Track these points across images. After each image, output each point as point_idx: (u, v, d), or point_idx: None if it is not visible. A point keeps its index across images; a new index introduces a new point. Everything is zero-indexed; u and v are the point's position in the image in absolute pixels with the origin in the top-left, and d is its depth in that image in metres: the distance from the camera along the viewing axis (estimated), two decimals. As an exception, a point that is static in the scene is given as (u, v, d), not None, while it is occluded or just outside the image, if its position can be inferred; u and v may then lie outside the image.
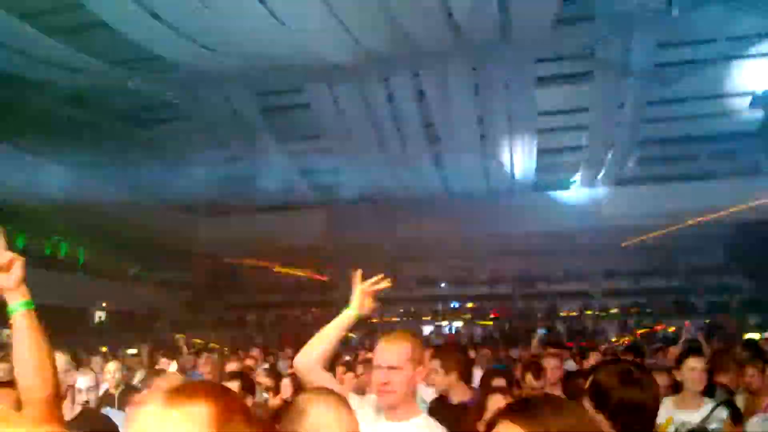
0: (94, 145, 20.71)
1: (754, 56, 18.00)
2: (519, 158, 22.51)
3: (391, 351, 2.31)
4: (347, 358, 8.16)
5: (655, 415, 2.10)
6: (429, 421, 2.35)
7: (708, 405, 3.68)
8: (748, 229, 23.24)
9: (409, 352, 2.30)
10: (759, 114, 21.50)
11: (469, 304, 25.75)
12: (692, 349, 5.72)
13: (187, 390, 1.00)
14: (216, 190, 28.72)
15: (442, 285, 27.38)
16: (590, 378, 2.20)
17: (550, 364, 4.89)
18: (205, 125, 21.80)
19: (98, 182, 21.48)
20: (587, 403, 2.07)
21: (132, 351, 16.31)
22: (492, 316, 24.42)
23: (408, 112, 20.28)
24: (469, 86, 19.01)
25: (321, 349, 2.43)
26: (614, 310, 24.03)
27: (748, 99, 20.88)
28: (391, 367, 2.25)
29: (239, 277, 30.16)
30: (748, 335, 16.78)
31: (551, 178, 24.40)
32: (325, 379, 2.29)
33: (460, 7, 14.64)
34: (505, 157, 22.45)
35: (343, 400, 1.67)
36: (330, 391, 1.77)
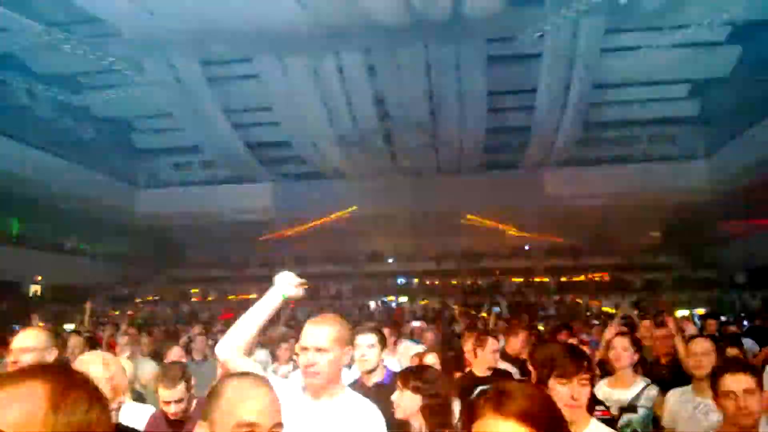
0: (27, 112, 19.72)
1: (694, 45, 18.59)
2: (468, 137, 22.70)
3: (318, 333, 2.30)
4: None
5: None
6: (353, 396, 2.40)
7: (640, 383, 3.82)
8: (682, 210, 24.28)
9: (336, 334, 2.30)
10: (697, 101, 22.33)
11: (416, 280, 26.04)
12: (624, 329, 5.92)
13: (24, 371, 1.05)
14: (157, 160, 28.00)
15: (390, 261, 27.55)
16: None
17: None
18: (147, 93, 21.01)
19: (32, 152, 20.49)
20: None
21: (69, 326, 15.81)
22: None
23: (359, 87, 20.10)
24: (420, 63, 18.97)
25: (243, 336, 2.39)
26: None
27: (688, 86, 21.65)
28: (318, 349, 2.26)
29: (182, 250, 29.55)
30: (679, 312, 17.61)
31: (498, 157, 24.73)
32: (247, 367, 2.24)
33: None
34: (454, 135, 22.60)
35: (262, 381, 1.62)
36: (248, 373, 1.72)
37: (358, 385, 3.30)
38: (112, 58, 19.10)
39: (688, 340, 4.92)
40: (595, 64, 18.88)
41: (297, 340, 3.80)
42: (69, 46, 17.63)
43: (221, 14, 15.55)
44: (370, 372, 3.43)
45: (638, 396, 3.72)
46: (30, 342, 2.82)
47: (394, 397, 2.65)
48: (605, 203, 22.36)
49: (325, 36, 17.20)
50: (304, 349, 2.31)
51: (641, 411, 3.65)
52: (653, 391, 3.75)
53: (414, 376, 2.69)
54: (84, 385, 1.04)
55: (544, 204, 23.71)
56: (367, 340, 3.44)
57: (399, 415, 2.57)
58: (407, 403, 2.60)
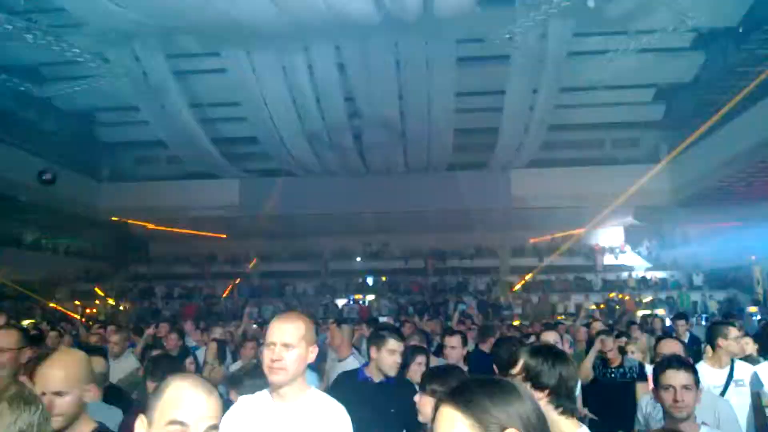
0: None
1: (660, 51, 18.95)
2: (436, 136, 22.76)
3: (285, 329, 2.30)
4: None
5: None
6: (318, 395, 2.39)
7: None
8: (644, 212, 24.79)
9: (303, 331, 2.31)
10: (661, 106, 22.80)
11: (383, 278, 26.03)
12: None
13: None
14: (121, 154, 27.46)
15: (358, 259, 27.49)
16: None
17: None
18: (111, 86, 20.54)
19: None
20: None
21: (28, 321, 15.44)
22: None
23: (328, 84, 19.97)
24: (390, 62, 18.94)
25: None
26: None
27: (653, 91, 22.08)
28: (284, 345, 2.25)
29: (146, 246, 29.02)
30: (641, 312, 17.99)
31: (467, 157, 24.87)
32: None
33: (385, -18, 14.50)
34: (422, 135, 22.63)
35: (202, 384, 1.68)
36: (191, 375, 1.78)
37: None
38: (76, 49, 18.60)
39: (657, 340, 5.05)
40: (563, 67, 19.10)
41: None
42: (31, 36, 17.10)
43: (188, 6, 15.26)
44: None
45: None
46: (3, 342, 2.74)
47: (416, 398, 2.66)
48: (569, 204, 22.67)
49: (294, 32, 17.05)
50: (271, 344, 2.29)
51: None
52: None
53: (434, 379, 2.65)
54: None
55: (511, 204, 23.95)
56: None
57: (421, 419, 2.58)
58: (427, 406, 2.55)
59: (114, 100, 21.93)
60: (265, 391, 2.36)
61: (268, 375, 2.29)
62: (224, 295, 23.26)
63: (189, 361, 5.58)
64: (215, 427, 1.59)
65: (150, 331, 7.87)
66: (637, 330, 8.70)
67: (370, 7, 15.62)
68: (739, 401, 3.93)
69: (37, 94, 20.77)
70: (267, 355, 2.31)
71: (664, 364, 2.93)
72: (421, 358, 3.98)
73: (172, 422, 1.55)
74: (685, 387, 2.81)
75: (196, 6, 15.15)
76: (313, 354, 2.37)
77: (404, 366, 3.71)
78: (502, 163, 24.56)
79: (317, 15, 15.91)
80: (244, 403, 2.38)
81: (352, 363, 5.05)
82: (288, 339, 2.27)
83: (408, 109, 21.15)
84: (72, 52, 18.57)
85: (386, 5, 15.57)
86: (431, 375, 2.74)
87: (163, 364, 3.33)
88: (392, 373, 3.48)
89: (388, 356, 3.45)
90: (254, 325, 8.24)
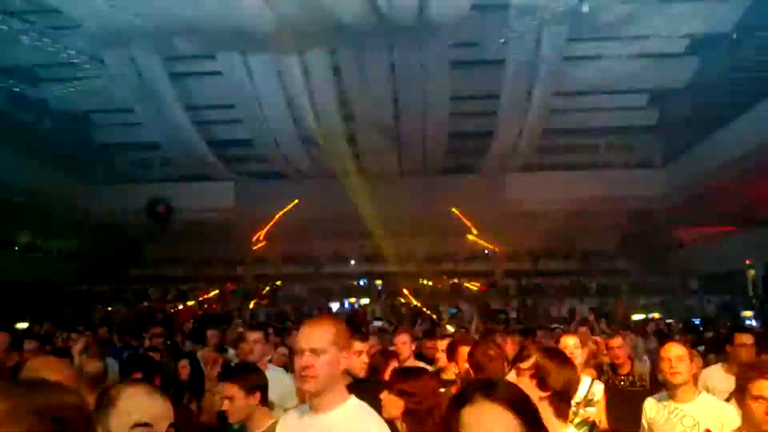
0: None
1: (654, 56, 19.01)
2: (431, 140, 22.79)
3: (314, 333, 2.17)
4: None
5: None
6: (358, 406, 2.24)
7: (587, 380, 4.03)
8: (638, 217, 24.81)
9: (333, 336, 2.17)
10: (655, 111, 22.87)
11: (378, 282, 25.99)
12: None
13: None
14: (116, 156, 27.41)
15: (352, 262, 27.45)
16: None
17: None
18: (107, 87, 20.55)
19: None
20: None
21: (22, 325, 15.34)
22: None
23: (323, 87, 19.99)
24: (384, 65, 18.98)
25: None
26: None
27: (647, 96, 22.16)
28: (312, 350, 2.13)
29: (140, 249, 28.93)
30: (635, 316, 18.02)
31: (461, 160, 24.89)
32: None
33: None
34: (417, 138, 22.66)
35: (153, 388, 1.74)
36: (139, 381, 1.90)
37: None
38: (72, 50, 18.64)
39: (660, 343, 4.99)
40: (557, 72, 19.15)
41: (266, 339, 3.76)
42: (27, 37, 17.11)
43: (185, 9, 15.29)
44: None
45: (587, 392, 3.83)
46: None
47: (382, 396, 2.64)
48: (564, 208, 22.68)
49: (290, 35, 17.07)
50: (299, 351, 2.18)
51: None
52: (600, 387, 3.88)
53: (401, 379, 2.66)
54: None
55: (505, 208, 23.94)
56: None
57: (383, 415, 2.50)
58: (390, 405, 2.59)
59: (109, 102, 21.96)
60: (306, 406, 2.25)
61: (300, 384, 2.22)
62: (208, 297, 23.21)
63: (181, 364, 5.55)
64: (173, 425, 1.67)
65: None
66: (630, 334, 8.71)
67: (365, 11, 15.67)
68: None
69: (32, 95, 20.78)
70: (297, 363, 2.21)
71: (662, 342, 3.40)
72: (393, 362, 4.02)
73: (137, 425, 1.61)
74: (679, 358, 3.30)
75: (193, 9, 15.19)
76: (346, 360, 2.23)
77: (376, 370, 3.75)
78: (496, 167, 24.58)
79: (313, 19, 15.96)
80: (287, 417, 2.35)
81: None
82: (316, 344, 2.14)
83: (402, 113, 21.18)
84: (67, 53, 18.62)
85: (381, 9, 15.62)
86: (398, 375, 2.75)
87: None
88: (361, 374, 3.50)
89: (354, 358, 3.42)
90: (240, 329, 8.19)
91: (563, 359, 2.38)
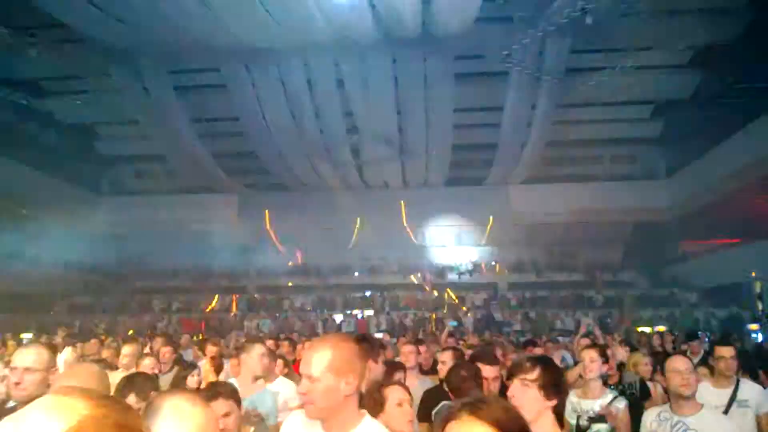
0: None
1: (657, 68, 19.04)
2: (434, 152, 22.82)
3: (310, 360, 2.08)
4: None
5: None
6: (372, 426, 2.13)
7: (609, 395, 3.92)
8: (642, 228, 24.75)
9: (330, 361, 2.04)
10: (659, 123, 22.87)
11: (381, 293, 25.91)
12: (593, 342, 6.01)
13: None
14: (120, 168, 27.54)
15: (356, 274, 27.42)
16: None
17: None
18: (112, 100, 20.69)
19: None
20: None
21: (27, 335, 15.35)
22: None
23: (327, 99, 20.07)
24: (388, 78, 19.05)
25: None
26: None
27: (650, 108, 22.17)
28: (308, 377, 2.05)
29: (145, 260, 28.95)
30: (640, 329, 17.90)
31: (464, 172, 24.91)
32: None
33: (384, 0, 14.62)
34: (420, 150, 22.70)
35: (197, 398, 1.68)
36: (183, 390, 1.83)
37: None
38: (78, 64, 18.80)
39: (663, 357, 4.94)
40: (560, 84, 19.19)
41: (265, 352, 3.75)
42: (34, 51, 17.26)
43: (190, 23, 15.40)
44: None
45: (608, 407, 3.78)
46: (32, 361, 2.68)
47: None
48: (568, 220, 22.65)
49: (294, 48, 17.18)
50: (300, 376, 2.14)
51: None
52: (622, 403, 3.82)
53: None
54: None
55: (508, 220, 23.93)
56: None
57: None
58: None
59: (115, 115, 22.07)
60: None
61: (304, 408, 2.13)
62: (211, 307, 23.20)
63: (191, 374, 5.50)
64: None
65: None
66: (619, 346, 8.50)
67: (369, 24, 15.75)
68: (744, 423, 3.86)
69: (38, 107, 20.93)
70: (298, 389, 2.15)
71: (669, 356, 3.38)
72: (399, 375, 4.00)
73: None
74: (689, 370, 3.32)
75: (198, 23, 15.30)
76: (350, 386, 2.08)
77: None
78: (500, 179, 24.59)
79: (317, 32, 16.05)
80: (295, 421, 2.28)
81: None
82: (311, 371, 2.05)
83: (406, 125, 21.22)
84: (74, 66, 18.78)
85: (385, 23, 15.70)
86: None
87: (140, 382, 3.30)
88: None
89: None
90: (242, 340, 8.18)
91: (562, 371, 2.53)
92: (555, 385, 2.37)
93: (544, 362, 2.47)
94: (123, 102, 20.84)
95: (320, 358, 2.06)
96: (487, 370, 3.69)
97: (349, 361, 2.10)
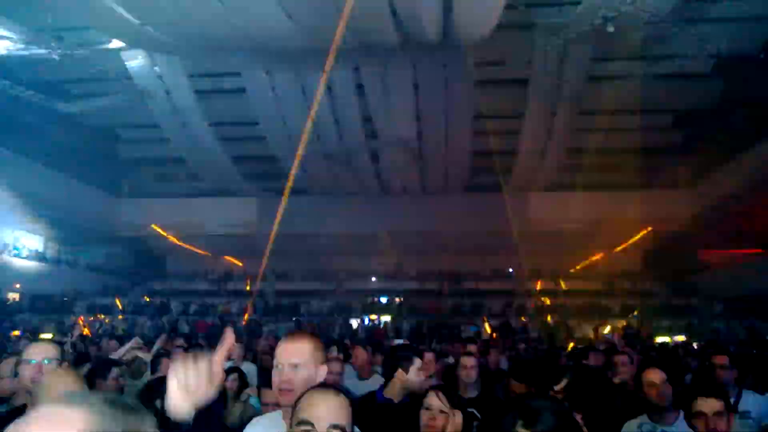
0: (12, 119, 19.52)
1: (680, 76, 18.87)
2: (453, 158, 22.79)
3: (292, 348, 2.22)
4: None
5: None
6: None
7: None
8: (662, 238, 24.47)
9: (311, 351, 2.22)
10: (681, 131, 22.64)
11: (398, 299, 25.89)
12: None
13: None
14: (141, 171, 27.81)
15: (372, 279, 27.42)
16: None
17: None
18: (134, 103, 20.92)
19: (16, 158, 20.27)
20: None
21: (46, 335, 15.51)
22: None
23: (346, 104, 20.14)
24: (408, 84, 19.07)
25: None
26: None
27: (672, 116, 21.96)
28: (292, 365, 2.17)
29: (163, 262, 29.24)
30: (660, 339, 17.70)
31: (483, 179, 24.81)
32: None
33: (405, 6, 14.63)
34: (439, 156, 22.68)
35: (331, 390, 1.88)
36: (323, 384, 2.05)
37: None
38: (100, 67, 19.04)
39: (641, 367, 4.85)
40: (582, 92, 19.09)
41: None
42: (57, 54, 17.49)
43: (211, 27, 15.54)
44: None
45: None
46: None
47: None
48: (587, 229, 22.46)
49: (314, 53, 17.24)
50: (278, 365, 2.21)
51: None
52: None
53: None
54: None
55: (527, 227, 23.77)
56: None
57: None
58: None
59: (136, 118, 22.31)
60: (278, 414, 2.23)
61: (279, 398, 2.21)
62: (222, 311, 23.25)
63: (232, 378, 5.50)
64: (335, 426, 1.78)
65: (159, 343, 7.81)
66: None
67: (391, 30, 15.78)
68: None
69: (62, 110, 21.20)
70: (275, 377, 2.22)
71: (694, 392, 2.94)
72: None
73: (300, 422, 1.79)
74: (717, 414, 2.74)
75: (219, 27, 15.43)
76: (322, 373, 2.26)
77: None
78: (519, 186, 24.46)
79: (338, 37, 16.09)
80: (257, 427, 2.30)
81: (378, 380, 4.91)
82: (295, 358, 2.18)
83: (425, 131, 21.23)
84: (96, 69, 19.01)
85: (406, 29, 15.72)
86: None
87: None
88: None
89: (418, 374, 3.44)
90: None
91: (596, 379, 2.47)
92: (584, 398, 2.37)
93: (575, 376, 2.50)
94: (144, 105, 21.06)
95: (302, 347, 2.23)
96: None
97: (322, 352, 2.32)
